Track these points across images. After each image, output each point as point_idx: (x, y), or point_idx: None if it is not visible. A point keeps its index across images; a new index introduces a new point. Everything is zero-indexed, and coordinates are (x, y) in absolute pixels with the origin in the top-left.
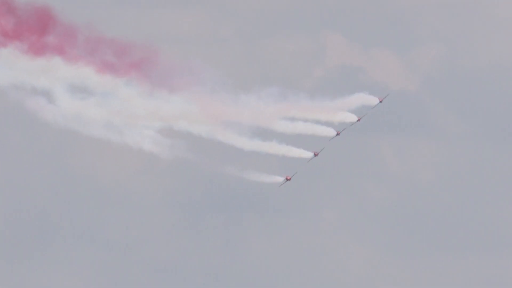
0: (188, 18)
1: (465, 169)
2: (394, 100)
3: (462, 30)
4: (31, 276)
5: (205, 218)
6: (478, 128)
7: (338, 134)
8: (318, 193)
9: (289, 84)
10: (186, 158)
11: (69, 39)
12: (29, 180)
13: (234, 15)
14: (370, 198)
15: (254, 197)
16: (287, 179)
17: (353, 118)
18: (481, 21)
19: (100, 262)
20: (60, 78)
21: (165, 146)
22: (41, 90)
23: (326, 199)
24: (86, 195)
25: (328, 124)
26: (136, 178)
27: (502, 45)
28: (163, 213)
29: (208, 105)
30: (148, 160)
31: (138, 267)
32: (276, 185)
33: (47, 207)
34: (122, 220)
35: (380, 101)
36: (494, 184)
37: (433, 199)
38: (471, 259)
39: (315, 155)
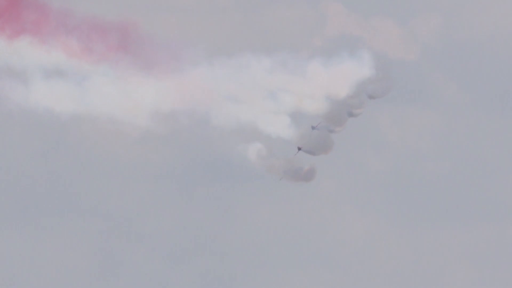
0: None
1: (464, 138)
2: (394, 70)
3: None
4: (30, 249)
5: (204, 190)
6: (478, 98)
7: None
8: (316, 163)
9: (288, 54)
10: (180, 130)
11: (42, 19)
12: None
13: None
14: (369, 169)
15: (251, 167)
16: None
17: (344, 91)
18: None
19: (98, 234)
20: (33, 61)
21: (158, 120)
22: (12, 73)
23: (325, 169)
24: (76, 171)
25: (314, 97)
26: (129, 152)
27: (502, 14)
28: (160, 185)
29: (195, 88)
30: (140, 134)
31: (136, 239)
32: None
33: (40, 185)
34: (115, 193)
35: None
36: (493, 153)
37: (433, 169)
38: (471, 229)
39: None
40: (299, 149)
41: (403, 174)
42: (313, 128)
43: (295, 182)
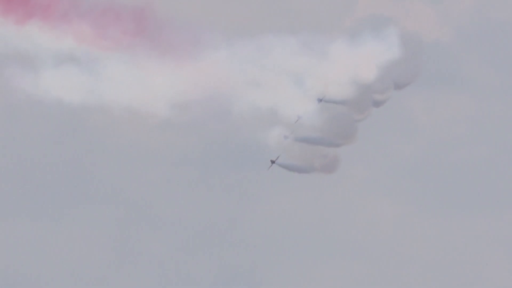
0: None
1: (499, 123)
2: (427, 52)
3: None
4: (49, 239)
5: (225, 178)
6: None
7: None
8: (345, 150)
9: (312, 35)
10: (199, 117)
11: (53, 2)
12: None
13: None
14: (401, 155)
15: (273, 155)
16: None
17: (371, 75)
18: None
19: (116, 224)
20: (43, 47)
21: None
22: (21, 60)
23: (355, 156)
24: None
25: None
26: (147, 141)
27: None
28: (180, 174)
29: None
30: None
31: (155, 228)
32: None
33: (56, 173)
34: (133, 180)
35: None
36: None
37: (467, 156)
38: (508, 218)
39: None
40: (273, 162)
41: (436, 161)
42: (319, 101)
43: (317, 172)
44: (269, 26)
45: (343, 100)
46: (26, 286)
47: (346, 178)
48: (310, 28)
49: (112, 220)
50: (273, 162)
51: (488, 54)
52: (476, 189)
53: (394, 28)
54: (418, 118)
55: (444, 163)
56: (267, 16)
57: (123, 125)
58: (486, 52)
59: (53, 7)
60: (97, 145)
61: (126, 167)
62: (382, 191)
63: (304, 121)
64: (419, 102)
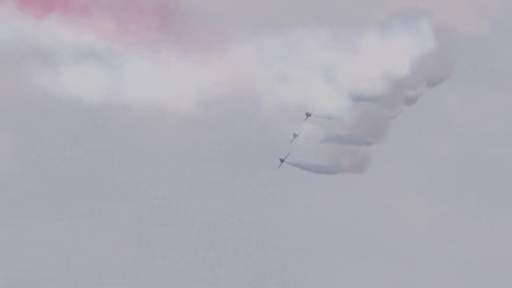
0: None
1: None
2: (461, 45)
3: None
4: (73, 237)
5: (253, 176)
6: None
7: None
8: (379, 147)
9: (342, 27)
10: (226, 114)
11: None
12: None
13: None
14: (436, 152)
15: (302, 153)
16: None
17: (404, 70)
18: None
19: (140, 222)
20: (62, 43)
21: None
22: (39, 57)
23: (388, 153)
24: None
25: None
26: (173, 139)
27: None
28: (207, 172)
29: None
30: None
31: (180, 227)
32: None
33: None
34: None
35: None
36: None
37: (504, 152)
38: None
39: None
40: (282, 161)
41: (471, 159)
42: (307, 115)
43: (345, 172)
44: (298, 19)
45: (375, 96)
46: (47, 286)
47: (377, 177)
48: (341, 20)
49: (136, 219)
50: (282, 160)
51: None
52: None
53: (427, 21)
54: (453, 115)
55: (481, 161)
56: (295, 8)
57: (146, 123)
58: None
59: (73, 0)
60: (119, 144)
61: (149, 166)
62: (415, 191)
63: (334, 119)
64: (454, 97)
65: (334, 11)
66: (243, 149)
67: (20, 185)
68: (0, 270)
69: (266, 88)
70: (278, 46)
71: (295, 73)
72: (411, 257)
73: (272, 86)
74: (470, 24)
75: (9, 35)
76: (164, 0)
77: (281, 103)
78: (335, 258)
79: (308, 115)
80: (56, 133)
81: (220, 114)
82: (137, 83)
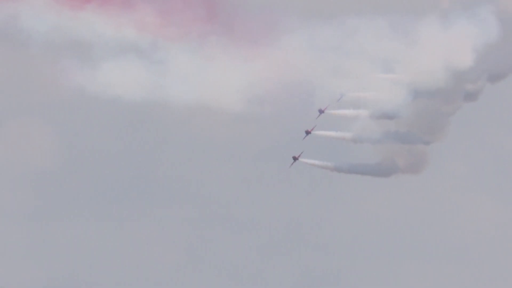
0: None
1: None
2: None
3: None
4: (122, 239)
5: (307, 174)
6: None
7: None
8: (447, 145)
9: (399, 16)
10: (278, 110)
11: None
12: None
13: None
14: (497, 150)
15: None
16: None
17: (466, 62)
18: None
19: (190, 222)
20: (101, 36)
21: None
22: (76, 51)
23: (456, 152)
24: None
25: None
26: (222, 136)
27: None
28: (258, 171)
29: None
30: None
31: (230, 228)
32: None
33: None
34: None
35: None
36: None
37: None
38: None
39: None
40: (295, 159)
41: None
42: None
43: (401, 173)
44: (352, 7)
45: (435, 91)
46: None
47: (435, 178)
48: (398, 8)
49: (185, 220)
50: (295, 159)
51: None
52: None
53: (491, 8)
54: None
55: None
56: None
57: (192, 122)
58: None
59: None
60: (165, 144)
61: (198, 165)
62: (475, 192)
63: (390, 115)
64: None
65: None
66: (296, 146)
67: (63, 186)
68: (47, 271)
69: (319, 82)
70: (331, 36)
71: (350, 65)
72: (477, 262)
73: (326, 79)
74: None
75: (45, 28)
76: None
77: (335, 97)
78: (393, 262)
79: (321, 112)
80: (97, 133)
81: (271, 110)
82: (182, 80)
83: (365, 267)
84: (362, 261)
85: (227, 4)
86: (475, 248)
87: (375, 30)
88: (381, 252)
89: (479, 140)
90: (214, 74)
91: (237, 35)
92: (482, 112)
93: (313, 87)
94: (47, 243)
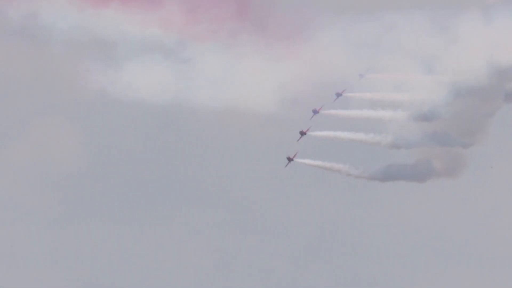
0: None
1: None
2: None
3: None
4: (154, 244)
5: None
6: None
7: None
8: (486, 148)
9: (441, 11)
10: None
11: None
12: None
13: None
14: None
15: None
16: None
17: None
18: None
19: (220, 226)
20: (124, 35)
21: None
22: (98, 51)
23: (496, 155)
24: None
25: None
26: (254, 139)
27: None
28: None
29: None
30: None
31: (262, 233)
32: None
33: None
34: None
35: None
36: None
37: None
38: None
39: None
40: (290, 160)
41: None
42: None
43: (438, 177)
44: (390, 2)
45: (476, 89)
46: None
47: (473, 183)
48: (439, 3)
49: (214, 224)
50: (290, 159)
51: None
52: None
53: None
54: None
55: None
56: None
57: (221, 125)
58: None
59: None
60: (195, 145)
61: (229, 168)
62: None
63: (429, 116)
64: None
65: None
66: (330, 150)
67: (88, 189)
68: (72, 276)
69: (355, 81)
70: (367, 33)
71: (387, 64)
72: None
73: (362, 78)
74: None
75: (67, 26)
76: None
77: (372, 97)
78: (430, 268)
79: (315, 112)
80: (123, 135)
81: (304, 112)
82: (211, 81)
83: (399, 273)
84: (397, 267)
85: (259, 0)
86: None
87: (413, 26)
88: (417, 258)
89: None
90: (245, 74)
91: (269, 32)
92: None
93: (348, 86)
94: (71, 246)
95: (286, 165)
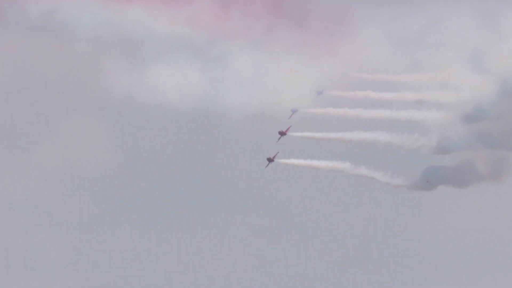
0: None
1: None
2: None
3: None
4: (188, 249)
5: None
6: None
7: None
8: None
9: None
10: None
11: None
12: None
13: None
14: None
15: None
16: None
17: None
18: None
19: (254, 233)
20: (150, 33)
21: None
22: (126, 48)
23: None
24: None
25: None
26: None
27: None
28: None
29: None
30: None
31: (299, 238)
32: None
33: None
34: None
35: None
36: None
37: None
38: None
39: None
40: (270, 160)
41: None
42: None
43: (482, 181)
44: None
45: None
46: None
47: None
48: None
49: (252, 230)
50: (270, 160)
51: None
52: None
53: None
54: None
55: None
56: None
57: (256, 127)
58: None
59: None
60: (234, 148)
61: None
62: None
63: (476, 116)
64: None
65: None
66: (371, 153)
67: (117, 191)
68: (106, 280)
69: (396, 78)
70: (411, 26)
71: (432, 59)
72: None
73: (405, 75)
74: None
75: (91, 22)
76: None
77: (419, 94)
78: (476, 278)
79: (294, 111)
80: (156, 137)
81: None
82: (243, 82)
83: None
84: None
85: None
86: None
87: (461, 19)
88: (461, 267)
89: None
90: (281, 74)
91: (306, 29)
92: None
93: (388, 84)
94: (101, 250)
95: (266, 166)
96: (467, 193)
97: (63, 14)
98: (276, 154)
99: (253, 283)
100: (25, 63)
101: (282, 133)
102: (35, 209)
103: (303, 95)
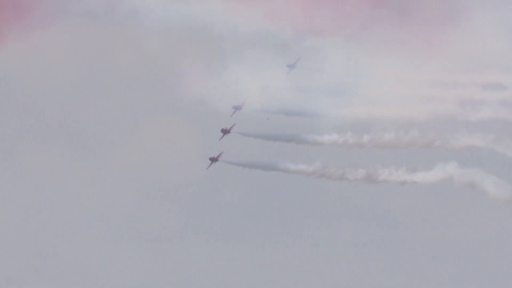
0: None
1: None
2: None
3: None
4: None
5: None
6: None
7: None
8: None
9: None
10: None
11: None
12: None
13: None
14: None
15: None
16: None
17: None
18: None
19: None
20: (230, 29)
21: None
22: (201, 45)
23: None
24: None
25: None
26: None
27: None
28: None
29: None
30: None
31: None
32: None
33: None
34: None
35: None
36: None
37: None
38: None
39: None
40: (213, 160)
41: None
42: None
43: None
44: None
45: None
46: None
47: None
48: None
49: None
50: (213, 160)
51: None
52: None
53: None
54: None
55: None
56: None
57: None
58: None
59: None
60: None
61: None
62: None
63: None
64: None
65: None
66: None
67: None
68: None
69: None
70: None
71: None
72: None
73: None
74: None
75: (165, 15)
76: None
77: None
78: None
79: (236, 108)
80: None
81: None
82: (336, 85)
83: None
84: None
85: None
86: None
87: None
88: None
89: None
90: (380, 76)
91: (410, 23)
92: None
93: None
94: (188, 261)
95: (209, 166)
96: None
97: (133, 6)
98: (220, 154)
99: None
100: (94, 59)
101: (225, 131)
102: (109, 220)
103: (407, 100)
